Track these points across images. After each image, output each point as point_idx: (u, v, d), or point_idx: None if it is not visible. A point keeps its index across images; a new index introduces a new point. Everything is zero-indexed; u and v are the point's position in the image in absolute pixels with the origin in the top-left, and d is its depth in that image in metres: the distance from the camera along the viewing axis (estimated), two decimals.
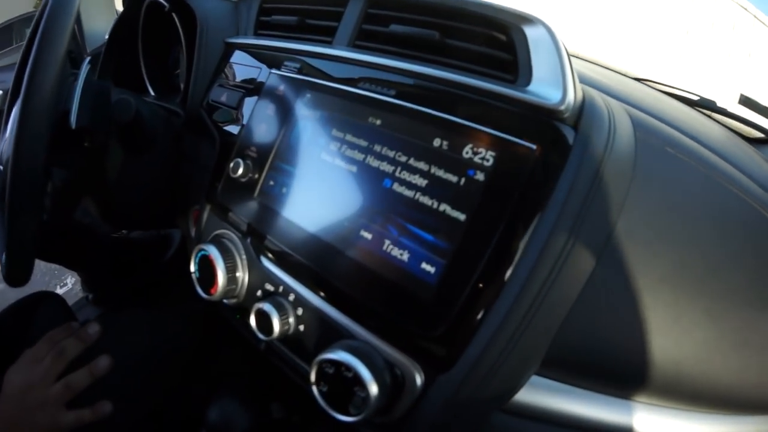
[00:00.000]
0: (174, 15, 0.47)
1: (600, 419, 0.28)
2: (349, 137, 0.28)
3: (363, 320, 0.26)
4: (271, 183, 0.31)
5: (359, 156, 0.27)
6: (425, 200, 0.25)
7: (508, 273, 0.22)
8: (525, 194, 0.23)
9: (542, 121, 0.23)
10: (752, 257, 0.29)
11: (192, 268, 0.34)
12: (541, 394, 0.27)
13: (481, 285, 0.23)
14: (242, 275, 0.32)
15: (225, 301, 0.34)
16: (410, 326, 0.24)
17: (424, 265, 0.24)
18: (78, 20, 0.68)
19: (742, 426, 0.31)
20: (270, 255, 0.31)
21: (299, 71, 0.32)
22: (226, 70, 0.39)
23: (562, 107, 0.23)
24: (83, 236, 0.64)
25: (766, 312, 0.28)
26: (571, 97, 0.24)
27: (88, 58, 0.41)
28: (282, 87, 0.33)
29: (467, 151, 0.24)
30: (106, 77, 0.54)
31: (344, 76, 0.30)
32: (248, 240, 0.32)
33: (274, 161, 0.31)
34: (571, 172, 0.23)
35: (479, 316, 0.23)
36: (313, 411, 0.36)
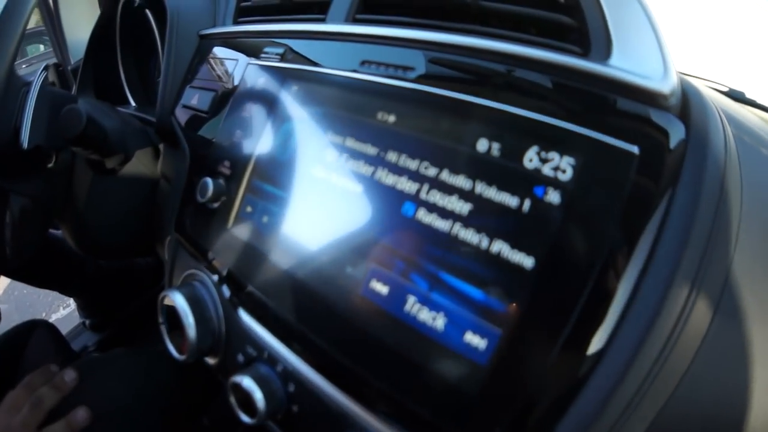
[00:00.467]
0: (147, 12, 0.39)
1: None
2: (350, 142, 0.18)
3: (378, 409, 0.17)
4: (249, 209, 0.22)
5: (366, 169, 0.18)
6: (469, 236, 0.15)
7: (603, 349, 0.13)
8: (627, 223, 0.13)
9: (642, 108, 0.14)
10: None
11: (159, 318, 0.25)
12: None
13: (560, 368, 0.13)
14: (218, 328, 0.23)
15: (207, 359, 0.24)
16: (449, 426, 0.15)
17: (470, 337, 0.15)
18: (60, 31, 0.61)
19: None
20: (250, 308, 0.22)
21: (282, 58, 0.23)
22: (201, 68, 0.30)
23: (666, 90, 0.14)
24: (74, 262, 0.57)
25: None
26: (673, 74, 0.14)
27: (43, 65, 0.33)
28: (261, 80, 0.23)
29: (531, 158, 0.15)
30: (86, 89, 0.46)
31: (341, 56, 0.20)
32: (222, 286, 0.23)
33: (252, 180, 0.22)
34: (690, 186, 0.13)
35: (557, 415, 0.13)
36: None
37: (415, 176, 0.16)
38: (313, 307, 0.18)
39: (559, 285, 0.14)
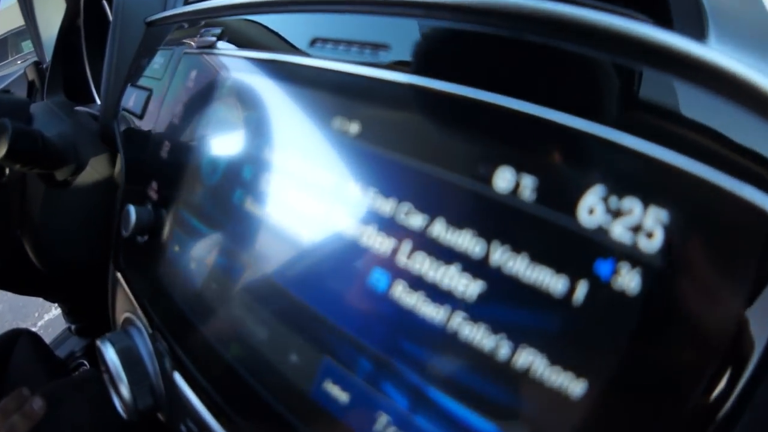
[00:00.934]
0: (104, 2, 0.32)
1: None
2: (292, 165, 0.11)
3: None
4: (177, 249, 0.15)
5: (316, 206, 0.11)
6: (477, 336, 0.08)
7: None
8: (743, 328, 0.06)
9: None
10: None
11: (102, 366, 0.19)
12: None
13: None
14: (159, 388, 0.17)
15: (158, 414, 0.19)
16: None
17: None
18: (35, 28, 0.54)
19: None
20: (185, 375, 0.15)
21: (217, 41, 0.16)
22: (143, 58, 0.23)
23: None
24: (61, 267, 0.53)
25: None
26: None
27: None
28: (194, 74, 0.16)
29: (592, 207, 0.08)
30: (56, 88, 0.40)
31: (288, 34, 0.13)
32: (157, 339, 0.17)
33: (180, 211, 0.15)
34: None
35: None
36: None
37: (391, 226, 0.09)
38: (253, 400, 0.12)
39: (621, 429, 0.07)
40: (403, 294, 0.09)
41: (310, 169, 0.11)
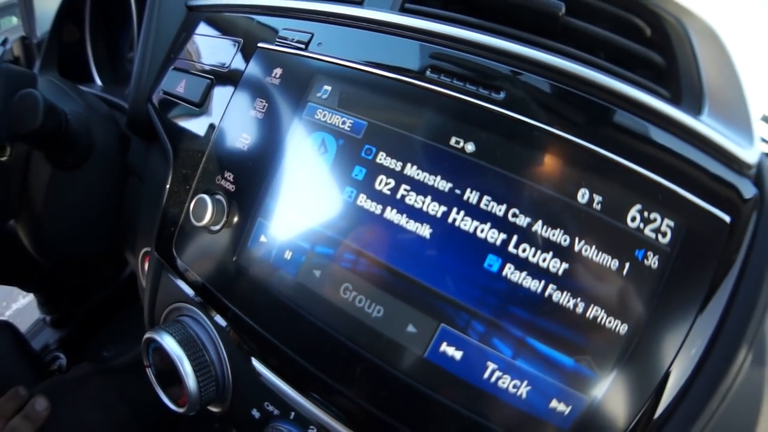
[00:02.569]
0: None
1: None
2: (413, 171, 0.14)
3: None
4: (263, 239, 0.17)
5: (436, 208, 0.14)
6: (564, 299, 0.13)
7: (674, 410, 0.12)
8: (712, 292, 0.12)
9: (735, 179, 0.13)
10: None
11: (145, 362, 0.19)
12: None
13: (639, 427, 0.12)
14: (222, 376, 0.18)
15: (210, 408, 0.19)
16: None
17: (555, 404, 0.13)
18: (28, 1, 0.45)
19: None
20: (267, 359, 0.17)
21: (308, 45, 0.17)
22: (188, 46, 0.22)
23: (752, 159, 0.13)
24: (32, 257, 0.45)
25: None
26: (758, 142, 0.13)
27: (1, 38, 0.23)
28: (276, 71, 0.18)
29: (634, 216, 0.12)
30: (50, 66, 0.35)
31: (401, 56, 0.15)
32: (228, 329, 0.18)
33: (267, 201, 0.17)
34: (761, 257, 0.12)
35: None
36: None
37: (503, 224, 0.13)
38: (357, 367, 0.15)
39: (644, 352, 0.12)
40: (510, 272, 0.13)
41: (428, 177, 0.14)
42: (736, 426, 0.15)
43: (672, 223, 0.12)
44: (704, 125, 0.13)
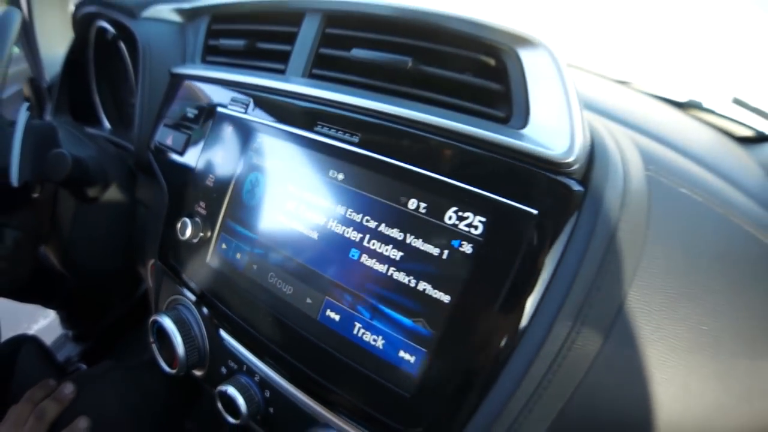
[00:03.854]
0: (120, 43, 0.39)
1: None
2: (307, 195, 0.21)
3: (336, 409, 0.21)
4: (224, 246, 0.25)
5: (320, 219, 0.21)
6: (401, 277, 0.19)
7: (502, 366, 0.17)
8: (523, 271, 0.17)
9: (544, 176, 0.17)
10: (764, 304, 0.23)
11: (150, 338, 0.28)
12: None
13: (470, 379, 0.17)
14: (203, 346, 0.26)
15: (194, 371, 0.28)
16: (388, 420, 0.19)
17: (403, 354, 0.19)
18: (35, 47, 0.59)
19: None
20: (229, 329, 0.25)
21: (247, 109, 0.25)
22: (173, 106, 0.31)
23: (570, 159, 0.17)
24: (55, 277, 0.58)
25: None
26: (579, 143, 0.17)
27: (26, 105, 0.33)
28: (230, 129, 0.26)
29: (450, 216, 0.18)
30: (62, 111, 0.46)
31: (299, 116, 0.23)
32: (204, 310, 0.26)
33: (225, 220, 0.25)
34: (580, 241, 0.17)
35: (468, 414, 0.17)
36: None
37: (359, 227, 0.20)
38: (280, 329, 0.22)
39: (468, 318, 0.18)
40: (365, 260, 0.19)
41: (316, 199, 0.21)
42: (605, 394, 0.19)
43: (483, 219, 0.18)
44: (525, 138, 0.18)
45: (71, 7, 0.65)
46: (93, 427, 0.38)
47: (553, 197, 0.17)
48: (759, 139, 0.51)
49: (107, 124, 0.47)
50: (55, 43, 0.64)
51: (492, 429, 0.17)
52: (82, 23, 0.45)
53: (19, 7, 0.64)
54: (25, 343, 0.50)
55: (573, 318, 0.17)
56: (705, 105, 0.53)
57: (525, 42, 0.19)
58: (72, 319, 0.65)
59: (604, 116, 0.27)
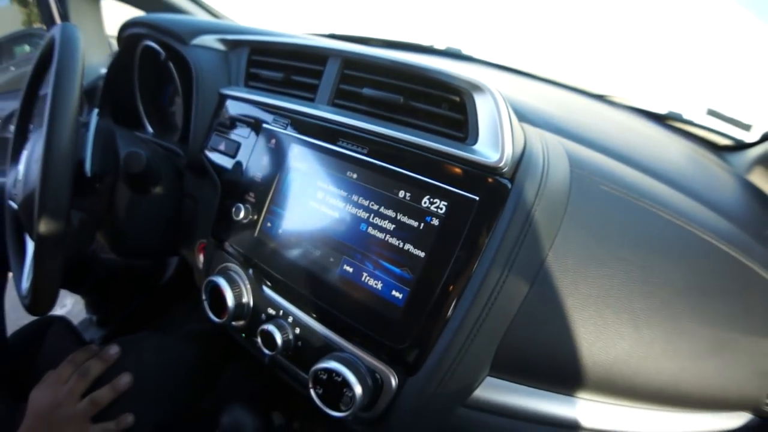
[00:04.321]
0: (170, 63, 0.56)
1: (547, 412, 0.37)
2: (331, 188, 0.37)
3: (348, 336, 0.35)
4: (269, 224, 0.40)
5: (340, 204, 0.36)
6: (393, 241, 0.34)
7: (458, 298, 0.31)
8: (469, 237, 0.32)
9: (483, 176, 0.32)
10: (680, 276, 0.37)
11: (203, 296, 0.43)
12: (496, 393, 0.36)
13: (437, 307, 0.32)
14: (248, 301, 0.41)
15: (233, 323, 0.43)
16: (385, 340, 0.33)
17: (394, 293, 0.33)
18: None
19: (679, 421, 0.40)
20: (270, 284, 0.40)
21: (287, 127, 0.41)
22: (223, 119, 0.48)
23: (501, 164, 0.32)
24: (88, 264, 0.74)
25: (696, 323, 0.37)
26: (508, 154, 0.32)
27: (96, 110, 0.50)
28: (273, 140, 0.42)
29: (425, 201, 0.33)
30: (104, 116, 0.63)
31: (325, 134, 0.38)
32: (251, 272, 0.41)
33: (270, 206, 0.40)
34: (505, 219, 0.31)
35: (436, 331, 0.32)
36: (311, 416, 0.46)
37: (366, 209, 0.35)
38: (310, 282, 0.37)
39: (436, 266, 0.32)
40: (371, 230, 0.34)
41: (337, 192, 0.36)
42: (537, 328, 0.34)
43: (446, 203, 0.33)
44: (475, 151, 0.33)
45: (104, 18, 0.84)
46: (134, 385, 0.52)
47: (489, 190, 0.32)
48: (739, 147, 0.66)
49: (150, 129, 0.64)
50: (89, 53, 0.82)
51: (453, 342, 0.32)
52: (129, 40, 0.62)
53: (52, 19, 0.83)
54: (55, 322, 0.66)
55: (501, 268, 0.31)
56: (685, 116, 0.68)
57: (478, 88, 0.35)
58: (97, 305, 0.81)
59: (555, 131, 0.42)
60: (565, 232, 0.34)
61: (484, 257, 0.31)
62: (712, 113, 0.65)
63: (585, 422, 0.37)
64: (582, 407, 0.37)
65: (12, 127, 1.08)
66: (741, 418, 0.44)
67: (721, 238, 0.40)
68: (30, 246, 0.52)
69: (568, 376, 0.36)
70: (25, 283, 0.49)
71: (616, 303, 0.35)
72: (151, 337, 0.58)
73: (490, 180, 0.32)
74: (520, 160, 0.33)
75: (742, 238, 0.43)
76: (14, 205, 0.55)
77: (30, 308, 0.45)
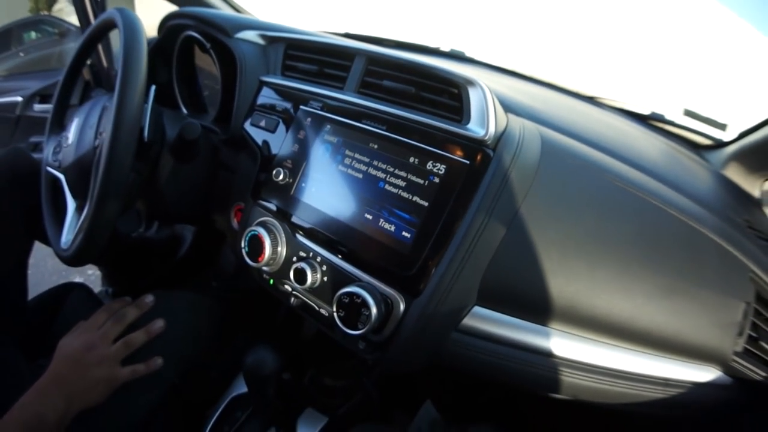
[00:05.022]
0: (212, 52, 0.75)
1: (524, 340, 0.54)
2: (356, 156, 0.55)
3: (367, 269, 0.52)
4: (303, 185, 0.58)
5: (364, 168, 0.54)
6: (404, 194, 0.51)
7: (451, 236, 0.49)
8: (461, 191, 0.49)
9: (473, 147, 0.50)
10: (630, 230, 0.55)
11: (242, 244, 0.60)
12: (483, 322, 0.53)
13: (436, 243, 0.49)
14: (281, 249, 0.58)
15: (264, 268, 0.60)
16: (396, 270, 0.50)
17: (404, 233, 0.51)
18: (106, 38, 0.96)
19: (648, 363, 0.56)
20: (302, 233, 0.57)
21: (321, 108, 0.59)
22: (263, 101, 0.66)
23: (486, 138, 0.50)
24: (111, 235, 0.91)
25: (645, 268, 0.54)
26: (491, 132, 0.50)
27: (153, 87, 0.68)
28: (309, 119, 0.60)
29: (429, 165, 0.51)
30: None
31: (352, 115, 0.57)
32: (285, 224, 0.59)
33: (305, 170, 0.58)
34: (487, 178, 0.49)
35: (435, 261, 0.49)
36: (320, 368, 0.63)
37: (384, 171, 0.52)
38: (337, 228, 0.54)
39: (436, 212, 0.50)
40: (387, 187, 0.52)
41: (362, 158, 0.54)
42: (515, 263, 0.51)
43: (444, 166, 0.50)
44: (467, 129, 0.51)
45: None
46: (165, 332, 0.68)
47: (477, 156, 0.50)
48: (717, 145, 0.85)
49: (184, 109, 0.82)
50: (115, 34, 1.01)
51: (447, 269, 0.49)
52: (171, 29, 0.81)
53: (84, 9, 1.03)
54: (76, 289, 0.81)
55: (483, 214, 0.49)
56: (666, 117, 0.87)
57: (471, 82, 0.53)
58: (114, 277, 0.97)
59: (536, 121, 0.60)
60: (534, 191, 0.51)
61: (471, 206, 0.49)
62: (689, 113, 0.84)
63: (557, 351, 0.54)
64: (555, 337, 0.54)
65: (36, 106, 1.27)
66: (710, 373, 0.58)
67: (670, 205, 0.58)
68: (71, 206, 0.68)
69: (539, 306, 0.52)
70: (66, 237, 0.65)
71: (576, 247, 0.52)
72: (181, 293, 0.74)
73: (477, 150, 0.50)
74: (501, 137, 0.51)
75: (694, 209, 0.60)
76: (53, 171, 0.72)
77: (75, 256, 0.60)
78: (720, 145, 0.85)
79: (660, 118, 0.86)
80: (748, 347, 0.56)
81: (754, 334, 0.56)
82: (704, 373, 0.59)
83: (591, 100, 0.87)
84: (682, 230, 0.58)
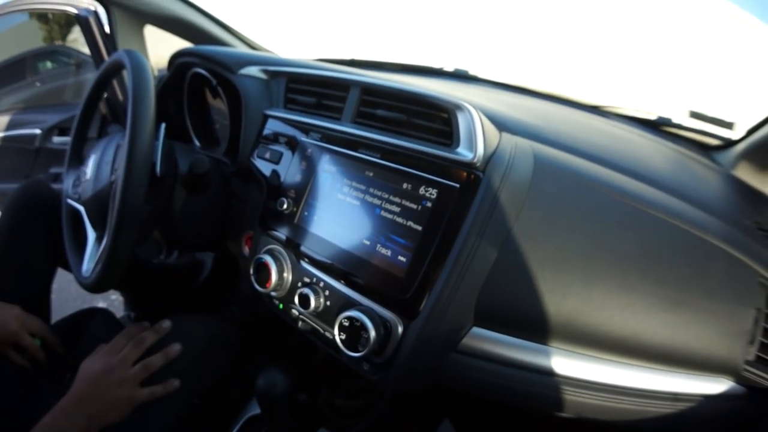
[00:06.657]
0: (219, 88, 0.82)
1: (524, 359, 0.56)
2: (353, 184, 0.59)
3: (366, 293, 0.56)
4: (306, 213, 0.63)
5: (361, 195, 0.58)
6: (399, 219, 0.55)
7: (445, 259, 0.52)
8: (453, 214, 0.53)
9: (462, 170, 0.54)
10: (628, 243, 0.56)
11: (251, 271, 0.65)
12: (481, 342, 0.55)
13: (430, 266, 0.52)
14: (287, 275, 0.63)
15: (273, 293, 0.65)
16: (393, 294, 0.54)
17: (400, 257, 0.54)
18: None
19: (657, 379, 0.57)
20: (306, 259, 0.62)
21: (320, 139, 0.64)
22: (267, 133, 0.72)
23: (474, 161, 0.53)
24: (132, 262, 0.99)
25: (646, 281, 0.55)
26: (480, 154, 0.53)
27: (163, 125, 0.75)
28: (309, 150, 0.65)
29: (422, 190, 0.55)
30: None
31: (349, 144, 0.61)
32: (290, 251, 0.64)
33: (307, 199, 0.63)
34: (478, 200, 0.52)
35: (430, 284, 0.52)
36: (331, 389, 0.67)
37: (380, 198, 0.56)
38: (338, 254, 0.58)
39: (429, 236, 0.53)
40: (383, 213, 0.56)
41: (359, 186, 0.59)
42: (510, 283, 0.54)
43: (436, 190, 0.54)
44: (457, 152, 0.55)
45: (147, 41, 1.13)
46: (182, 355, 0.74)
47: (467, 179, 0.53)
48: (726, 145, 0.84)
49: (197, 142, 0.89)
50: None
51: (442, 292, 0.52)
52: (180, 67, 0.89)
53: (96, 44, 1.13)
54: (98, 313, 0.89)
55: (475, 236, 0.52)
56: (674, 121, 0.88)
57: (459, 107, 0.57)
58: (136, 302, 1.05)
59: (531, 137, 0.63)
60: (527, 209, 0.54)
61: (462, 229, 0.52)
62: (695, 115, 0.84)
63: (559, 369, 0.56)
64: (555, 355, 0.56)
65: (55, 139, 1.39)
66: (722, 384, 0.58)
67: (672, 214, 0.59)
68: (91, 236, 0.75)
69: (537, 325, 0.55)
70: (87, 265, 0.72)
71: (570, 264, 0.54)
72: (197, 318, 0.81)
73: (467, 173, 0.53)
74: (491, 158, 0.54)
75: (698, 216, 0.61)
76: (73, 204, 0.80)
77: (95, 284, 0.67)
78: (729, 144, 0.85)
79: (667, 123, 0.86)
80: (761, 355, 0.56)
81: (766, 341, 0.56)
82: (715, 385, 0.58)
83: (594, 109, 0.88)
84: (685, 240, 0.59)
